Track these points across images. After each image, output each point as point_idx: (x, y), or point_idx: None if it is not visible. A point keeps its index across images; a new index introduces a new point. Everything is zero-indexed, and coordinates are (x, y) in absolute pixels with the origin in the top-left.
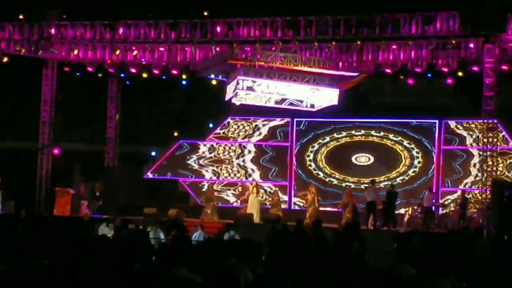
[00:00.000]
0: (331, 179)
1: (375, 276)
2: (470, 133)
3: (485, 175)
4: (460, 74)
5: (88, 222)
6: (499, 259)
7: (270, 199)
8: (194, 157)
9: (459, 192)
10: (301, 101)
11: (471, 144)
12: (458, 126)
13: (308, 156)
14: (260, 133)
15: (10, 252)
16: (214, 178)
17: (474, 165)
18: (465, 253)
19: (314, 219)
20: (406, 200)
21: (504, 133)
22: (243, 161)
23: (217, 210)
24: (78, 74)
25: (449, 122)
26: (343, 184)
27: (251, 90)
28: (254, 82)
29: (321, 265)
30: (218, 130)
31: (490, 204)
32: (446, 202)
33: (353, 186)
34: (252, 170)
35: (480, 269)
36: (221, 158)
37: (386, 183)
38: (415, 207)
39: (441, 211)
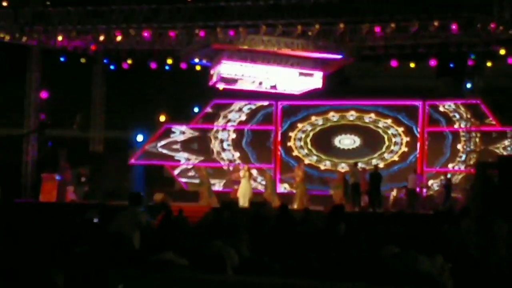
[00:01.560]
0: (318, 163)
1: (360, 257)
2: (455, 114)
3: (469, 156)
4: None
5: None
6: (484, 238)
7: (263, 182)
8: (179, 141)
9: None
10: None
11: (458, 125)
12: (445, 107)
13: (293, 139)
14: (240, 116)
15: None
16: (197, 162)
17: (459, 145)
18: (450, 232)
19: (302, 202)
20: (391, 183)
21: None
22: (225, 145)
23: (212, 193)
24: (62, 59)
25: (434, 103)
26: (329, 167)
27: (234, 81)
28: (237, 69)
29: (307, 248)
30: (203, 115)
31: (473, 184)
32: (430, 184)
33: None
34: (232, 154)
35: (466, 248)
36: (205, 143)
37: (370, 166)
38: (400, 189)
39: (425, 193)
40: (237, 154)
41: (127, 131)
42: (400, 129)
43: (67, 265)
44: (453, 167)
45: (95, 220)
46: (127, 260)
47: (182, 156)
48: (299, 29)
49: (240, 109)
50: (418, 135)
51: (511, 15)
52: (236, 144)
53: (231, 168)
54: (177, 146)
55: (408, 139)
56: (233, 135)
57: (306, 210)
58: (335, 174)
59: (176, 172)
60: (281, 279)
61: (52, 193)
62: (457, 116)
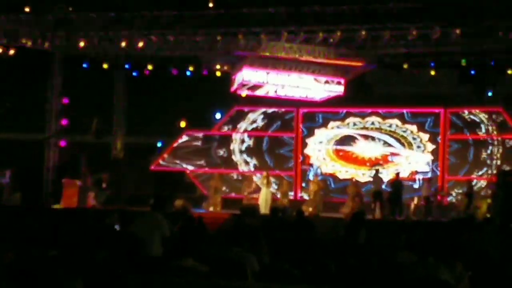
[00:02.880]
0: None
1: (379, 264)
2: (478, 122)
3: (492, 164)
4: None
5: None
6: (505, 247)
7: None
8: (201, 147)
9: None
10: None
11: (482, 133)
12: (468, 115)
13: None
14: (257, 123)
15: (18, 243)
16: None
17: (484, 154)
18: (471, 241)
19: (316, 209)
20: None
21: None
22: (239, 151)
23: (220, 202)
24: (84, 65)
25: (455, 111)
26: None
27: (257, 87)
28: (259, 77)
29: (327, 255)
30: (224, 122)
31: (495, 193)
32: (451, 192)
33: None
34: (246, 161)
35: (487, 257)
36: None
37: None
38: (421, 197)
39: (446, 201)
40: (253, 161)
41: (148, 137)
42: (421, 136)
43: (86, 271)
44: (476, 175)
45: (116, 227)
46: (146, 265)
47: (200, 163)
48: (320, 36)
49: (257, 117)
50: (439, 143)
51: None
52: (254, 151)
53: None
54: (198, 153)
55: (429, 146)
56: (250, 142)
57: (298, 212)
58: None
59: (196, 177)
60: (302, 286)
61: (73, 199)
62: (480, 124)
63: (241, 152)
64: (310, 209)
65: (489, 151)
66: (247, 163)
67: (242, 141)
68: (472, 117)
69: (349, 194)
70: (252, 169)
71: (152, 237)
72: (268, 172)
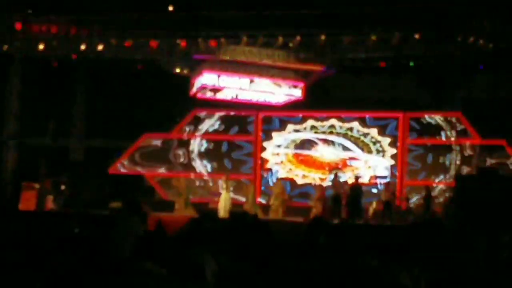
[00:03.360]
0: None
1: (341, 268)
2: (437, 126)
3: (450, 168)
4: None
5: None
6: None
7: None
8: (159, 151)
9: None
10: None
11: (441, 138)
12: (426, 119)
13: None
14: (215, 126)
15: None
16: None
17: (443, 159)
18: (429, 244)
19: (277, 213)
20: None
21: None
22: (196, 155)
23: (190, 204)
24: (44, 68)
25: (415, 115)
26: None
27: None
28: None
29: (286, 258)
30: (184, 125)
31: (452, 197)
32: (408, 196)
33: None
34: (205, 165)
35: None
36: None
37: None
38: (379, 201)
39: (404, 205)
40: (211, 165)
41: (107, 140)
42: (380, 141)
43: (46, 275)
44: (434, 180)
45: (76, 230)
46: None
47: (161, 166)
48: (280, 40)
49: (215, 119)
50: (397, 148)
51: (491, 27)
52: (212, 155)
53: (210, 183)
54: (157, 156)
55: (387, 151)
56: (208, 145)
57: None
58: (314, 188)
59: (155, 181)
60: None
61: (31, 202)
62: (439, 129)
63: (199, 155)
64: (273, 214)
65: (448, 156)
66: (204, 166)
67: (200, 145)
68: (431, 121)
69: (312, 198)
70: (209, 172)
71: (127, 241)
72: (228, 176)
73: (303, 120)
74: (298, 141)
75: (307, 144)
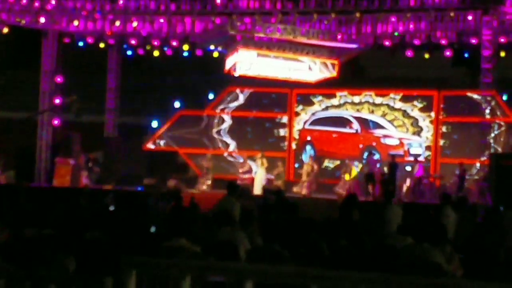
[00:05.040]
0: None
1: (372, 246)
2: (474, 104)
3: (485, 146)
4: (457, 46)
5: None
6: (495, 229)
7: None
8: (194, 128)
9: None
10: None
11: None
12: (458, 97)
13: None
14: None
15: (12, 223)
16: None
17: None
18: (462, 223)
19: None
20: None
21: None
22: (226, 131)
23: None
24: (78, 44)
25: (449, 93)
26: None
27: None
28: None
29: (319, 236)
30: (218, 102)
31: (487, 175)
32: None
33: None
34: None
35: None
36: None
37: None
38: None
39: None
40: (241, 142)
41: (141, 117)
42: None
43: (78, 251)
44: (470, 158)
45: (111, 208)
46: (139, 246)
47: (194, 143)
48: (315, 18)
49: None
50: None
51: None
52: (242, 132)
53: (241, 160)
54: (191, 133)
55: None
56: (240, 122)
57: (278, 193)
58: (346, 166)
59: (189, 157)
60: (293, 268)
61: (65, 178)
62: (475, 106)
63: (230, 132)
64: (304, 191)
65: (484, 134)
66: (234, 143)
67: (223, 121)
68: (467, 100)
69: (343, 177)
70: (235, 149)
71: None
72: (263, 153)
73: (338, 98)
74: (332, 119)
75: (341, 121)
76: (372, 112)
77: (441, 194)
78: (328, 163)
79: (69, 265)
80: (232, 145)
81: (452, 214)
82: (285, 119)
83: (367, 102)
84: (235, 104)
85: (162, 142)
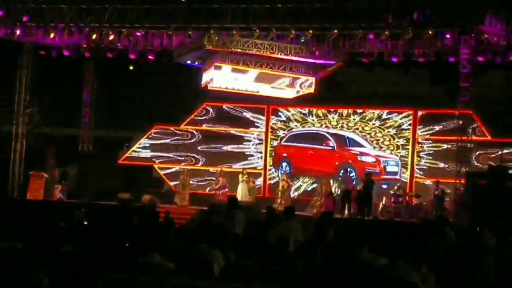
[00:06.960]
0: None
1: (349, 264)
2: (446, 124)
3: (460, 166)
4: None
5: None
6: (471, 250)
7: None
8: (168, 142)
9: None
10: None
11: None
12: (435, 116)
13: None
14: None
15: None
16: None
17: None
18: (437, 243)
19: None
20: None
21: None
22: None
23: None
24: (53, 56)
25: (426, 111)
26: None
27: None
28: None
29: (295, 253)
30: (193, 117)
31: (463, 195)
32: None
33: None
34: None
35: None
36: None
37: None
38: (390, 197)
39: (415, 202)
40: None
41: (116, 131)
42: (391, 137)
43: (53, 265)
44: (446, 177)
45: (85, 222)
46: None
47: (169, 157)
48: (292, 34)
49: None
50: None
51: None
52: (209, 147)
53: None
54: (166, 148)
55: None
56: (216, 138)
57: (269, 209)
58: (322, 184)
59: (164, 172)
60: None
61: (39, 191)
62: (451, 125)
63: (206, 147)
64: (280, 207)
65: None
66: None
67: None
68: (444, 118)
69: (319, 193)
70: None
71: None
72: (245, 169)
73: (314, 114)
74: (308, 135)
75: (317, 138)
76: (349, 129)
77: (438, 217)
78: (303, 182)
79: (42, 281)
80: (206, 160)
81: (452, 235)
82: (261, 135)
83: (344, 118)
84: (210, 119)
85: (136, 156)
